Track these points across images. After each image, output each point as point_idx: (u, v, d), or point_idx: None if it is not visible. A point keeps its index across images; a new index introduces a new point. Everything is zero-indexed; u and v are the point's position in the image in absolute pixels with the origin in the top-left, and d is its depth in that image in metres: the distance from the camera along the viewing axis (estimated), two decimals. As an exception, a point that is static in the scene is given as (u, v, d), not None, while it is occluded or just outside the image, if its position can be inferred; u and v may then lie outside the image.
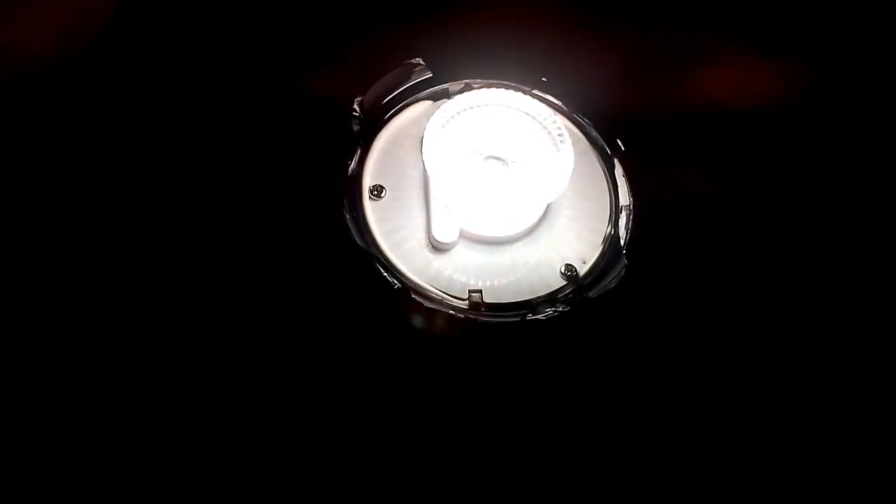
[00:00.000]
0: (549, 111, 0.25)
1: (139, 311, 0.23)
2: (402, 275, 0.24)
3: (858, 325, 0.25)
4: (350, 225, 0.24)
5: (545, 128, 0.25)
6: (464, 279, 0.24)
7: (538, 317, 0.23)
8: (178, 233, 0.24)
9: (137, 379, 0.22)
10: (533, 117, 0.25)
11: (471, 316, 0.23)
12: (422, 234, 0.24)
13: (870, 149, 0.27)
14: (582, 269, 0.24)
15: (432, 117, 0.24)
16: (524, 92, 0.27)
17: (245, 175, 0.25)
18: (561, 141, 0.24)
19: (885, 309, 0.25)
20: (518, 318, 0.23)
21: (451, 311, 0.23)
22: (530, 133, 0.25)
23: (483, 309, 0.23)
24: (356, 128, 0.26)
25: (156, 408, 0.22)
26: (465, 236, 0.25)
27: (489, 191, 0.24)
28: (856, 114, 0.28)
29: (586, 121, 0.27)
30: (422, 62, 0.27)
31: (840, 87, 0.28)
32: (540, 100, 0.27)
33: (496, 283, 0.24)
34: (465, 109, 0.25)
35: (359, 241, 0.24)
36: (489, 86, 0.27)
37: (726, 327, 0.24)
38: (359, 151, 0.26)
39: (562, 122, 0.26)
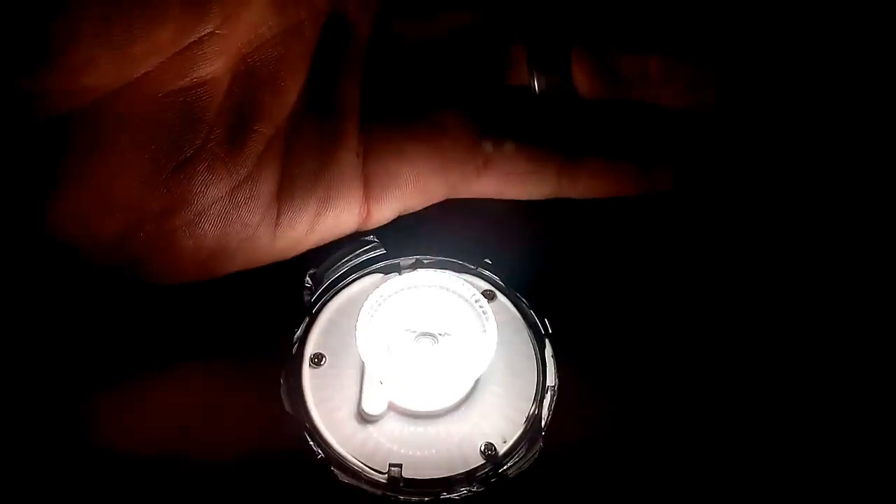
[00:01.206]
0: (478, 293, 0.26)
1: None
2: (328, 444, 0.25)
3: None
4: (283, 391, 0.26)
5: (473, 308, 0.26)
6: (388, 451, 0.25)
7: (452, 496, 0.24)
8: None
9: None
10: (465, 299, 0.27)
11: (388, 493, 0.24)
12: (353, 404, 0.26)
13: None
14: (501, 448, 0.25)
15: (366, 302, 0.26)
16: (468, 271, 0.29)
17: (198, 339, 0.27)
18: (486, 320, 0.26)
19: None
20: (430, 499, 0.24)
21: (367, 487, 0.24)
22: (460, 312, 0.26)
23: (401, 484, 0.24)
24: (307, 298, 0.28)
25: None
26: (393, 409, 0.26)
27: (417, 368, 0.25)
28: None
29: (523, 301, 0.28)
30: (375, 239, 0.29)
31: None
32: (483, 278, 0.29)
33: (419, 455, 0.25)
34: (400, 290, 0.27)
35: (288, 408, 0.25)
36: (437, 263, 0.29)
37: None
38: (306, 320, 0.28)
39: (498, 301, 0.28)
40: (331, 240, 0.27)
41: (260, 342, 0.27)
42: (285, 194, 0.25)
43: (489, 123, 0.28)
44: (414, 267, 0.29)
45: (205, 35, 0.23)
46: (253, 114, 0.24)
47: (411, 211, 0.28)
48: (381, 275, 0.29)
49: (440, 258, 0.29)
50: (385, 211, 0.27)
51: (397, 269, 0.29)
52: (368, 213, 0.27)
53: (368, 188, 0.26)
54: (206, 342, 0.27)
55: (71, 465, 0.25)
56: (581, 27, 0.28)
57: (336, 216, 0.26)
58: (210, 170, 0.24)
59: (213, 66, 0.23)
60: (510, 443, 0.25)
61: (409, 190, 0.27)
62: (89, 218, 0.23)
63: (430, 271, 0.28)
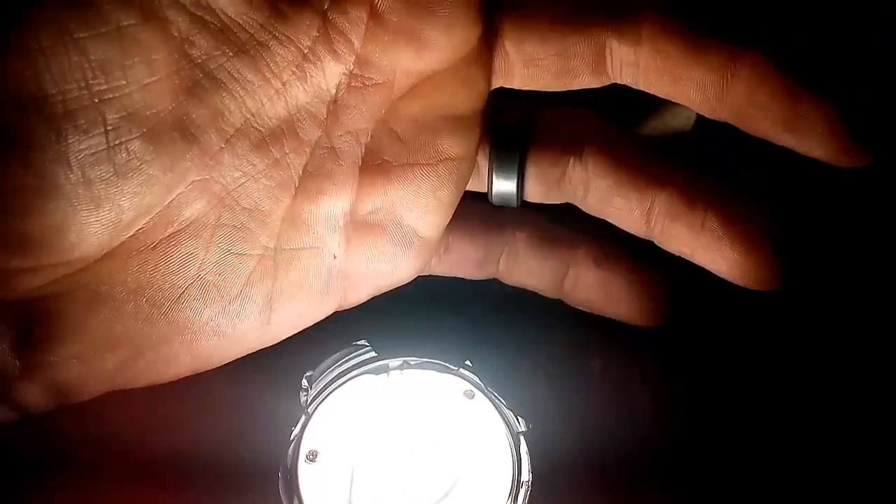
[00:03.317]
0: (459, 393, 0.29)
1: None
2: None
3: None
4: (281, 486, 0.28)
5: (454, 407, 0.29)
6: (375, 544, 0.27)
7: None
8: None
9: None
10: (447, 399, 0.29)
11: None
12: (344, 499, 0.28)
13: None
14: (479, 543, 0.27)
15: (358, 403, 0.29)
16: (450, 371, 0.32)
17: (196, 437, 0.29)
18: (465, 419, 0.29)
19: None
20: None
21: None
22: (442, 411, 0.29)
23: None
24: (303, 398, 0.30)
25: None
26: (381, 502, 0.28)
27: (401, 462, 0.28)
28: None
29: (500, 400, 0.31)
30: (366, 343, 0.32)
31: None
32: (463, 378, 0.32)
33: (404, 549, 0.27)
34: (388, 391, 0.30)
35: (285, 503, 0.28)
36: (422, 364, 0.32)
37: None
38: (303, 419, 0.30)
39: (476, 400, 0.31)
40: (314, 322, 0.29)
41: (260, 439, 0.30)
42: (274, 302, 0.27)
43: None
44: (401, 368, 0.32)
45: (188, 185, 0.24)
46: (239, 241, 0.26)
47: (382, 292, 0.30)
48: (373, 375, 0.32)
49: (424, 360, 0.32)
50: (360, 298, 0.29)
51: (386, 370, 0.32)
52: (345, 301, 0.29)
53: (347, 281, 0.28)
54: (205, 440, 0.30)
55: None
56: (541, 132, 0.30)
57: (319, 309, 0.28)
58: (203, 297, 0.25)
59: (197, 207, 0.24)
60: (487, 537, 0.28)
61: (382, 281, 0.29)
62: (90, 358, 0.24)
63: (416, 371, 0.31)
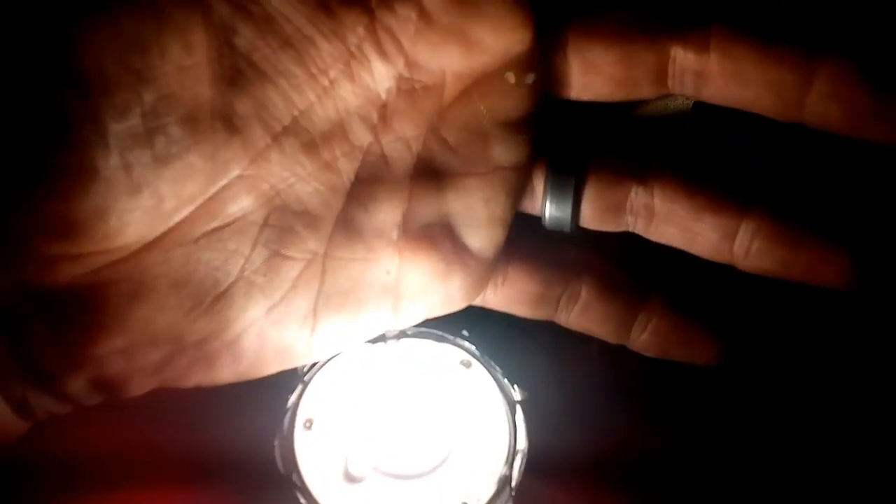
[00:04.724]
0: (456, 362, 0.29)
1: None
2: (315, 501, 0.27)
3: None
4: (278, 453, 0.28)
5: (451, 376, 0.29)
6: (372, 509, 0.28)
7: (429, 551, 0.27)
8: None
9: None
10: (443, 367, 0.30)
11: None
12: (341, 466, 0.28)
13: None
14: (475, 507, 0.28)
15: (355, 371, 0.29)
16: (447, 341, 0.32)
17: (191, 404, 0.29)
18: (462, 388, 0.29)
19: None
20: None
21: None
22: (439, 380, 0.29)
23: (383, 539, 0.27)
24: (300, 367, 0.31)
25: None
26: (377, 470, 0.28)
27: (398, 429, 0.28)
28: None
29: (497, 369, 0.31)
30: (363, 312, 0.32)
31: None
32: (460, 347, 0.32)
33: (401, 514, 0.28)
34: (385, 360, 0.30)
35: (282, 469, 0.28)
36: (419, 333, 0.32)
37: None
38: (300, 387, 0.30)
39: (473, 369, 0.31)
40: (362, 342, 0.28)
41: (258, 408, 0.30)
42: (320, 311, 0.26)
43: (510, 244, 0.28)
44: (398, 337, 0.32)
45: (232, 179, 0.24)
46: (287, 243, 0.25)
47: (435, 316, 0.28)
48: (369, 344, 0.32)
49: (422, 329, 0.32)
50: (411, 319, 0.28)
51: (383, 339, 0.32)
52: (396, 320, 0.27)
53: (398, 300, 0.27)
54: (207, 407, 0.30)
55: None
56: (596, 152, 0.28)
57: (366, 326, 0.27)
58: (247, 297, 0.25)
59: (243, 204, 0.24)
60: (483, 501, 0.28)
61: (436, 303, 0.27)
62: (132, 353, 0.24)
63: (413, 340, 0.31)
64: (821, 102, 0.24)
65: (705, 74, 0.25)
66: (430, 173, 0.26)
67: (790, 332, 0.31)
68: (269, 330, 0.25)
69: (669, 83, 0.26)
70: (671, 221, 0.27)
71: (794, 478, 0.29)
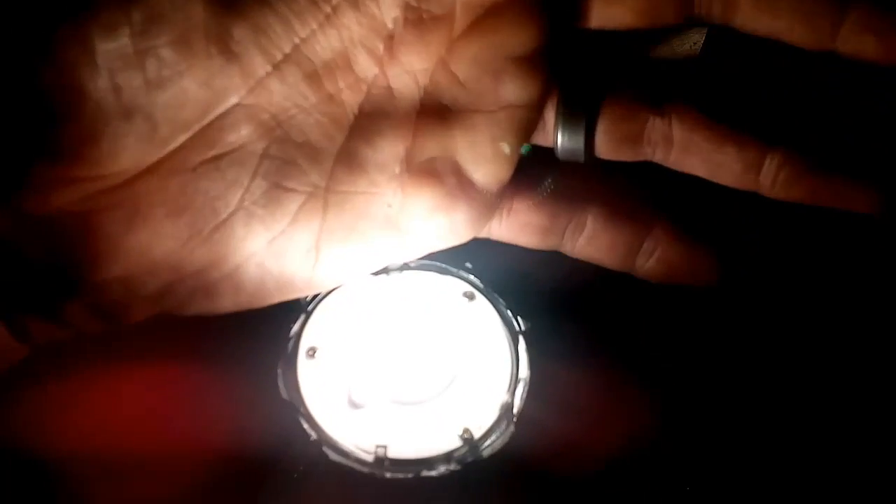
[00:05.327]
0: (459, 293, 0.29)
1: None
2: (320, 427, 0.28)
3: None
4: (281, 380, 0.28)
5: (454, 307, 0.29)
6: (375, 434, 0.28)
7: (432, 474, 0.27)
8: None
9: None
10: (447, 299, 0.29)
11: (374, 471, 0.27)
12: (344, 393, 0.29)
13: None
14: (477, 432, 0.28)
15: (358, 301, 0.29)
16: (450, 273, 0.31)
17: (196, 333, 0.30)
18: (465, 318, 0.29)
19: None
20: (412, 475, 0.27)
21: (355, 465, 0.27)
22: (443, 311, 0.29)
23: (386, 463, 0.27)
24: (305, 298, 0.31)
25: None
26: (381, 397, 0.29)
27: (402, 358, 0.28)
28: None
29: (500, 301, 0.31)
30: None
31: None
32: (463, 280, 0.32)
33: (403, 438, 0.28)
34: (388, 290, 0.30)
35: (284, 395, 0.28)
36: (422, 265, 0.32)
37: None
38: (303, 317, 0.30)
39: (477, 301, 0.31)
40: (365, 274, 0.28)
41: (261, 336, 0.30)
42: (322, 244, 0.26)
43: (516, 175, 0.28)
44: (401, 269, 0.32)
45: (230, 107, 0.23)
46: (288, 175, 0.25)
47: (439, 249, 0.28)
48: (372, 276, 0.32)
49: (425, 261, 0.32)
50: (414, 252, 0.28)
51: (386, 272, 0.32)
52: (399, 253, 0.27)
53: (401, 233, 0.27)
54: (209, 337, 0.30)
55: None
56: (610, 84, 0.27)
57: (369, 259, 0.27)
58: (247, 227, 0.24)
59: (242, 133, 0.24)
60: (485, 428, 0.28)
61: (439, 236, 0.27)
62: (131, 281, 0.24)
63: (416, 273, 0.31)
64: (855, 33, 0.24)
65: (735, 1, 0.25)
66: (436, 108, 0.26)
67: (793, 256, 0.31)
68: (271, 262, 0.25)
69: (696, 10, 0.25)
70: (692, 152, 0.26)
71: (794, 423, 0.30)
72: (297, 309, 0.30)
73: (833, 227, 0.30)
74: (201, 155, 0.24)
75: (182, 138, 0.23)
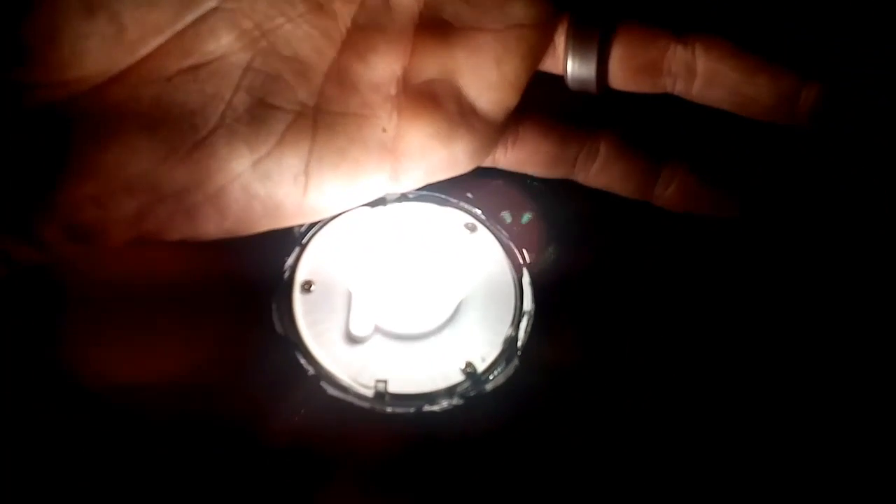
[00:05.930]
0: (460, 224, 0.28)
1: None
2: (318, 362, 0.27)
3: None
4: (276, 315, 0.27)
5: (455, 238, 0.28)
6: (374, 369, 0.27)
7: (434, 409, 0.26)
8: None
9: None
10: (447, 230, 0.28)
11: (374, 406, 0.26)
12: (342, 327, 0.28)
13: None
14: (480, 367, 0.27)
15: (354, 231, 0.28)
16: (450, 205, 0.30)
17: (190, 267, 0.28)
18: (466, 250, 0.28)
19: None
20: (414, 410, 0.26)
21: (355, 401, 0.26)
22: (443, 243, 0.28)
23: (386, 398, 0.26)
24: (297, 228, 0.29)
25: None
26: (380, 331, 0.28)
27: (402, 291, 0.27)
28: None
29: (503, 233, 0.30)
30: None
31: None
32: (465, 211, 0.30)
33: (404, 373, 0.27)
34: (386, 221, 0.28)
35: (280, 330, 0.27)
36: (422, 196, 0.30)
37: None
38: (297, 250, 0.29)
39: (479, 233, 0.29)
40: (357, 206, 0.27)
41: (254, 270, 0.29)
42: (312, 169, 0.24)
43: (522, 103, 0.26)
44: (400, 200, 0.30)
45: (206, 10, 0.22)
46: (274, 90, 0.23)
47: (438, 180, 0.27)
48: (368, 207, 0.30)
49: (424, 192, 0.30)
50: (412, 183, 0.26)
51: (383, 202, 0.30)
52: (396, 183, 0.26)
53: (397, 162, 0.25)
54: (201, 272, 0.29)
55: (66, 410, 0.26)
56: (626, 12, 0.26)
57: (363, 188, 0.26)
58: (229, 146, 0.23)
59: (222, 42, 0.22)
60: (488, 362, 0.27)
61: (438, 166, 0.26)
62: (105, 200, 0.22)
63: (415, 204, 0.29)
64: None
65: None
66: (437, 24, 0.24)
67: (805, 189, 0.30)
68: (256, 185, 0.24)
69: None
70: (717, 83, 0.24)
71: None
72: (292, 241, 0.29)
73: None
74: (177, 64, 0.22)
75: (154, 43, 0.22)
